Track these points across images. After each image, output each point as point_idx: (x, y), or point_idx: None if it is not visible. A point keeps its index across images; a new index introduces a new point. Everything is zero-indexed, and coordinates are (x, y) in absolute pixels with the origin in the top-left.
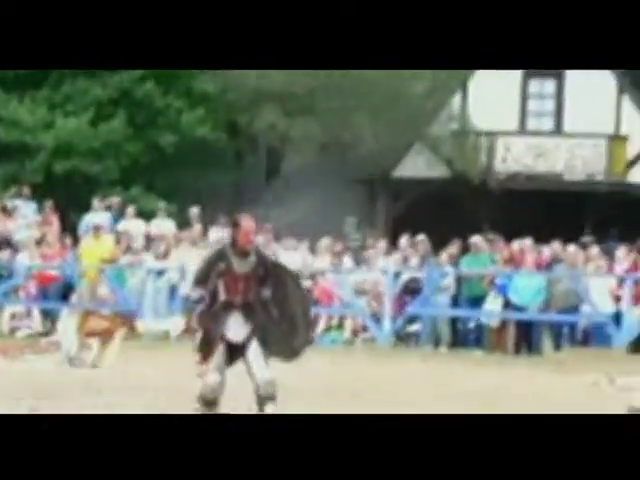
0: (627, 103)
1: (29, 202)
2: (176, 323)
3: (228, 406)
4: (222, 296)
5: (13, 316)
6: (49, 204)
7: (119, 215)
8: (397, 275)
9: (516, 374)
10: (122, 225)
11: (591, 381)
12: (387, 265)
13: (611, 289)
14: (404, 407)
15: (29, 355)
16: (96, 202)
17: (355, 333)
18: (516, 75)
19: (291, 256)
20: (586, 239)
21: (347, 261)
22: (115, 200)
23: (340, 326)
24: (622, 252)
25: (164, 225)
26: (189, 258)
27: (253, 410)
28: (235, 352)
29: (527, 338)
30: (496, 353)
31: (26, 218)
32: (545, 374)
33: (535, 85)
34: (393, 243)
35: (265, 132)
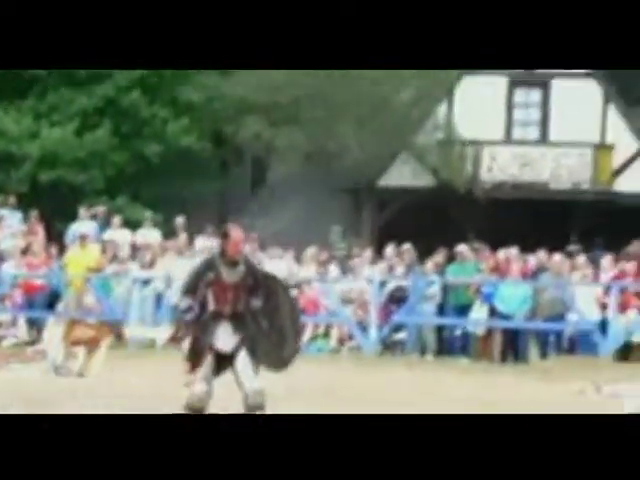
0: (612, 112)
1: (15, 212)
2: (163, 331)
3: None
4: (211, 306)
5: None
6: (34, 214)
7: (105, 225)
8: (383, 284)
9: (502, 382)
10: (108, 234)
11: (577, 389)
12: (373, 274)
13: (597, 297)
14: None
15: (15, 364)
16: (82, 211)
17: (341, 342)
18: (502, 84)
19: (277, 265)
20: (572, 248)
21: (333, 270)
22: (101, 210)
23: (326, 335)
24: (607, 261)
25: (150, 235)
26: (175, 267)
27: None
28: (223, 362)
29: (513, 346)
30: (482, 361)
31: (11, 228)
32: (531, 382)
33: (521, 94)
34: (379, 252)
35: (250, 142)
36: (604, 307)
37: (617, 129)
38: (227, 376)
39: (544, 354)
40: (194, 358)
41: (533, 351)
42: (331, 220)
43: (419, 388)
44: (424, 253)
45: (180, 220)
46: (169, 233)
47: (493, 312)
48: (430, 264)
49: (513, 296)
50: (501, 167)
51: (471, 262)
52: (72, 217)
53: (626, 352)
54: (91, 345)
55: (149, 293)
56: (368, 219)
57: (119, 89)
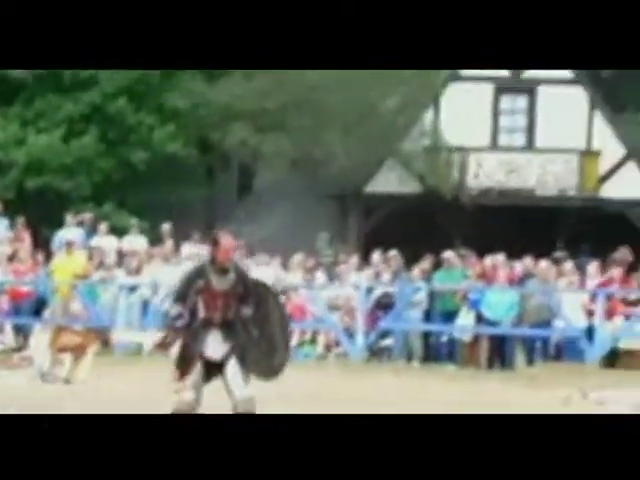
0: (599, 119)
1: (1, 218)
2: (150, 336)
3: None
4: (201, 313)
5: None
6: (21, 220)
7: (91, 231)
8: (370, 290)
9: (489, 389)
10: (94, 241)
11: (564, 396)
12: (359, 280)
13: (583, 304)
14: None
15: (1, 370)
16: (69, 218)
17: (328, 348)
18: (488, 91)
19: (264, 272)
20: (559, 254)
21: (320, 276)
22: (87, 216)
23: (313, 341)
24: (594, 267)
25: (136, 241)
26: (161, 274)
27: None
28: (213, 369)
29: (500, 353)
30: (469, 368)
31: None
32: (518, 389)
33: (507, 101)
34: (365, 259)
35: (237, 148)
36: (590, 314)
37: (603, 135)
38: (217, 383)
39: (530, 361)
40: (183, 365)
41: (520, 358)
42: (318, 227)
43: (406, 394)
44: (411, 259)
45: (166, 227)
46: (155, 240)
47: (480, 318)
48: (417, 270)
49: (500, 302)
50: (487, 174)
51: (458, 268)
52: (59, 224)
53: (612, 359)
54: (77, 352)
55: (135, 300)
56: (355, 225)
57: (105, 96)
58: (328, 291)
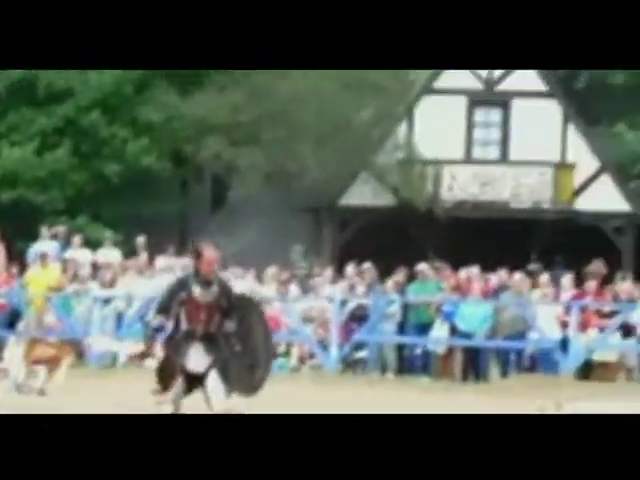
0: (573, 132)
1: None
2: (126, 346)
3: None
4: (184, 325)
5: None
6: None
7: (65, 244)
8: (344, 303)
9: (463, 401)
10: (68, 254)
11: (538, 407)
12: (334, 293)
13: (558, 316)
14: None
15: None
16: (44, 231)
17: (302, 360)
18: (461, 104)
19: (238, 284)
20: (533, 267)
21: (294, 289)
22: (61, 229)
23: (287, 353)
24: (568, 279)
25: (110, 254)
26: (135, 286)
27: None
28: (194, 382)
29: (474, 365)
30: (443, 380)
31: None
32: (492, 400)
33: (481, 114)
34: (340, 271)
35: (210, 162)
36: (565, 325)
37: (577, 148)
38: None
39: (505, 373)
40: (165, 378)
41: (494, 370)
42: (292, 239)
43: (380, 406)
44: (385, 272)
45: (141, 239)
46: (129, 252)
47: (454, 331)
48: (390, 283)
49: (474, 315)
50: (461, 186)
51: (432, 281)
52: (33, 236)
53: (587, 370)
54: (52, 364)
55: (110, 312)
56: (329, 238)
57: (79, 109)
58: (302, 303)
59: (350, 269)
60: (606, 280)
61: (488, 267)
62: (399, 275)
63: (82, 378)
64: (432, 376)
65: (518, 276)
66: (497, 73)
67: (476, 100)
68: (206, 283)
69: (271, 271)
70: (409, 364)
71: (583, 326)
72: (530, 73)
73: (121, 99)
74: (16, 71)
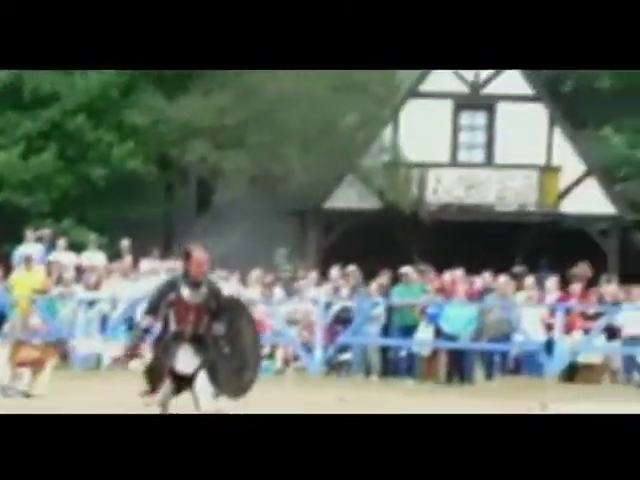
0: (559, 135)
1: None
2: (110, 347)
3: None
4: (172, 326)
5: None
6: None
7: (50, 247)
8: (328, 305)
9: (448, 403)
10: (53, 256)
11: (523, 408)
12: (318, 295)
13: (542, 318)
14: None
15: None
16: (29, 233)
17: (286, 362)
18: (447, 107)
19: (222, 287)
20: (517, 269)
21: (278, 292)
22: (46, 232)
23: (271, 355)
24: (553, 282)
25: (95, 257)
26: (120, 289)
27: None
28: (183, 383)
29: (459, 367)
30: (428, 382)
31: None
32: (477, 402)
33: (466, 117)
34: (324, 274)
35: (196, 165)
36: (549, 328)
37: (563, 152)
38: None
39: (490, 375)
40: (153, 379)
41: (479, 372)
42: (277, 242)
43: (364, 408)
44: (370, 275)
45: (125, 243)
46: (114, 255)
47: (438, 333)
48: (375, 285)
49: (458, 317)
50: (447, 189)
51: (417, 284)
52: (19, 239)
53: (572, 373)
54: (36, 366)
55: (94, 315)
56: (314, 241)
57: (64, 113)
58: (286, 306)
59: (335, 272)
60: (591, 283)
61: (473, 270)
62: (383, 278)
63: (67, 380)
64: (417, 378)
65: (503, 279)
66: (483, 76)
67: (462, 103)
68: (195, 284)
69: (255, 274)
70: (394, 366)
71: (568, 328)
72: (516, 76)
73: (107, 103)
74: (1, 75)
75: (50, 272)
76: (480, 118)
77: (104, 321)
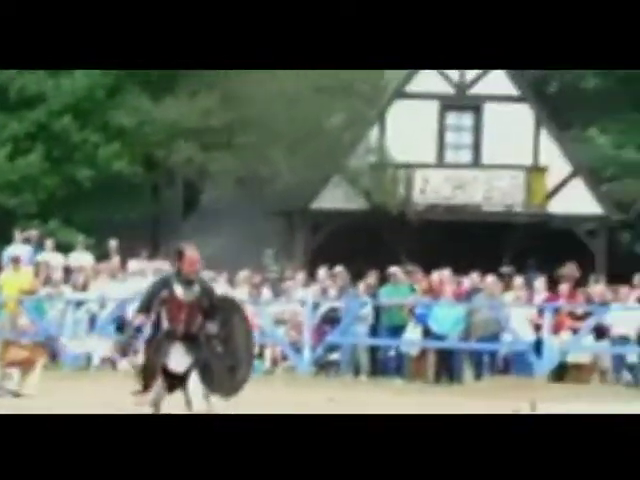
0: (545, 136)
1: None
2: (100, 345)
3: None
4: (164, 324)
5: None
6: None
7: (38, 248)
8: (316, 305)
9: (437, 402)
10: (41, 257)
11: (513, 408)
12: (306, 295)
13: (531, 318)
14: None
15: None
16: (17, 234)
17: (275, 362)
18: (433, 108)
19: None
20: (505, 269)
21: (266, 292)
22: (33, 233)
23: (260, 355)
24: (541, 282)
25: (82, 258)
26: (108, 289)
27: None
28: (176, 382)
29: (447, 366)
30: (416, 382)
31: None
32: (466, 402)
33: (452, 118)
34: (312, 275)
35: (182, 166)
36: (538, 328)
37: (550, 152)
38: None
39: (478, 375)
40: (145, 378)
41: (467, 371)
42: (264, 243)
43: (353, 408)
44: (357, 275)
45: (113, 243)
46: (101, 256)
47: (427, 333)
48: (362, 286)
49: (447, 317)
50: (434, 189)
51: (405, 284)
52: (6, 240)
53: (561, 372)
54: (25, 366)
55: (82, 315)
56: (301, 242)
57: (51, 114)
58: (274, 306)
59: (322, 273)
60: (579, 283)
61: (460, 270)
62: (370, 278)
63: (56, 380)
64: (405, 378)
65: (490, 278)
66: (469, 77)
67: (448, 104)
68: (188, 282)
69: (243, 274)
70: (382, 366)
71: (556, 328)
72: (501, 77)
73: (93, 104)
74: None
75: (38, 273)
76: (466, 119)
77: (92, 321)
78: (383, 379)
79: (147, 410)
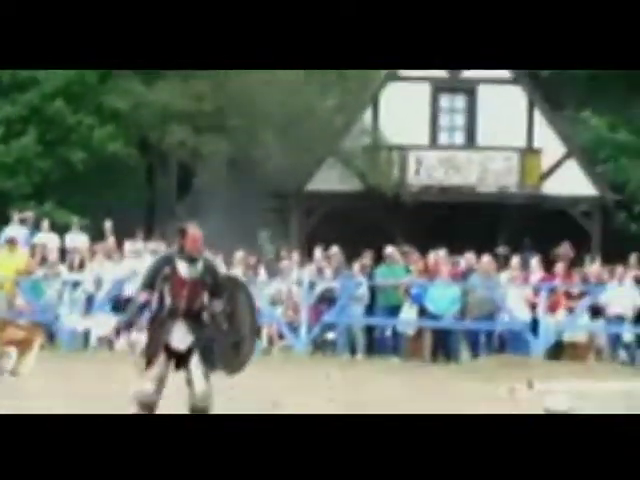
0: (538, 117)
1: None
2: (100, 322)
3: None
4: (167, 301)
5: None
6: None
7: (34, 229)
8: (312, 285)
9: (434, 381)
10: (37, 238)
11: (509, 387)
12: (302, 275)
13: (527, 298)
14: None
15: None
16: (15, 215)
17: (272, 342)
18: (426, 90)
19: None
20: (500, 250)
21: (262, 273)
22: (29, 214)
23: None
24: (536, 262)
25: (77, 239)
26: (104, 270)
27: None
28: (181, 360)
29: (444, 346)
30: (413, 361)
31: None
32: (463, 381)
33: (445, 100)
34: (307, 256)
35: (175, 149)
36: (534, 307)
37: (543, 134)
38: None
39: (475, 354)
40: (149, 354)
41: (464, 351)
42: (259, 224)
43: (350, 387)
44: (352, 256)
45: (108, 224)
46: (96, 237)
47: (423, 313)
48: (357, 266)
49: (443, 297)
50: (428, 171)
51: (400, 264)
52: (4, 221)
53: (557, 351)
54: (23, 346)
55: (79, 295)
56: (296, 223)
57: (44, 97)
58: (271, 287)
59: (317, 254)
60: (574, 263)
61: (456, 251)
62: (365, 258)
63: (53, 360)
64: (402, 357)
65: (486, 259)
66: None
67: (441, 87)
68: (191, 260)
69: (239, 255)
70: (379, 345)
71: (552, 308)
72: None
73: (85, 87)
74: None
75: (34, 254)
76: (459, 101)
77: (89, 301)
78: (379, 359)
79: (149, 387)
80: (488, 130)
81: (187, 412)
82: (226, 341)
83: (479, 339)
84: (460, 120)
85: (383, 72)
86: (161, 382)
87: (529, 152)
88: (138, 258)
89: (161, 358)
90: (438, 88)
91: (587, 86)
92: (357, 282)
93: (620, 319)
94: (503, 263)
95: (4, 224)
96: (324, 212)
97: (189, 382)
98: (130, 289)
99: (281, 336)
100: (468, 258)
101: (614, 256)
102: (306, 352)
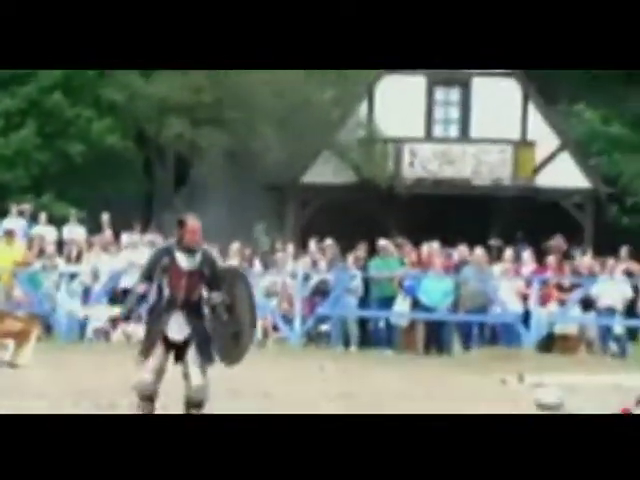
0: (532, 110)
1: None
2: (97, 311)
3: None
4: (165, 292)
5: None
6: None
7: (31, 221)
8: (306, 277)
9: (426, 373)
10: (34, 230)
11: (500, 379)
12: (296, 267)
13: (519, 290)
14: (312, 407)
15: None
16: (13, 208)
17: (266, 334)
18: (421, 83)
19: None
20: (493, 242)
21: (257, 265)
22: (27, 207)
23: None
24: (528, 254)
25: (75, 231)
26: (101, 262)
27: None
28: (178, 351)
29: (437, 338)
30: (406, 353)
31: None
32: (455, 373)
33: (441, 93)
34: (302, 248)
35: (173, 141)
36: (526, 299)
37: (537, 126)
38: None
39: (467, 346)
40: (147, 345)
41: (456, 343)
42: (255, 217)
43: (343, 379)
44: (347, 249)
45: (105, 216)
46: (94, 229)
47: (416, 305)
48: (351, 258)
49: (436, 289)
50: (422, 164)
51: (394, 257)
52: (2, 213)
53: (549, 343)
54: (20, 337)
55: (77, 287)
56: (291, 216)
57: (42, 90)
58: (265, 279)
59: (312, 245)
60: (566, 255)
61: (449, 243)
62: (359, 251)
63: (49, 352)
64: (395, 349)
65: (479, 251)
66: None
67: (436, 80)
68: (189, 251)
69: (234, 247)
70: (372, 337)
71: (544, 300)
72: None
73: (83, 80)
74: None
75: (31, 246)
76: (454, 94)
77: (87, 293)
78: (373, 350)
79: (147, 378)
80: (482, 123)
81: (183, 405)
82: (226, 332)
83: (472, 331)
84: (455, 113)
85: None
86: (160, 373)
87: (523, 145)
88: (135, 250)
89: (159, 349)
90: (433, 81)
91: (581, 79)
92: (351, 274)
93: (611, 311)
94: (496, 255)
95: (2, 216)
96: (319, 204)
97: (185, 375)
98: (127, 281)
99: (275, 328)
100: (461, 250)
101: (605, 249)
102: (300, 344)
